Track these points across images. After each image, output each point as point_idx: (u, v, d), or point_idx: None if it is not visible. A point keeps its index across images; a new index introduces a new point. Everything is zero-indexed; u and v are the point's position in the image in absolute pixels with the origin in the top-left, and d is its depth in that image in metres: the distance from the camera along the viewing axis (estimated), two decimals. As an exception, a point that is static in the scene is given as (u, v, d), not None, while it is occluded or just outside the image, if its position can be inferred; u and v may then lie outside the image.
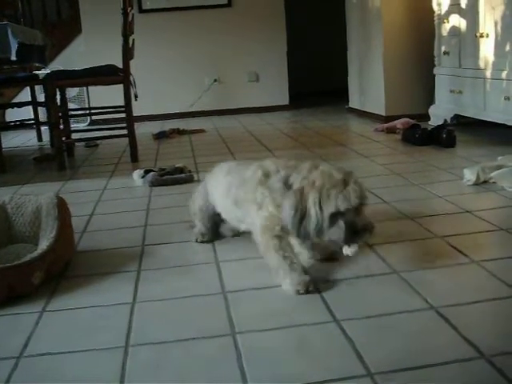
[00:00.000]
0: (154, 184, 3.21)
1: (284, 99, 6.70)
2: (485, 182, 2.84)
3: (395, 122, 4.55)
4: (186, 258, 2.09)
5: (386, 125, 4.63)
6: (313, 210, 1.67)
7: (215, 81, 6.61)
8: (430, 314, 1.54)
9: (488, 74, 3.99)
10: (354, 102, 6.07)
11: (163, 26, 6.44)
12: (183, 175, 3.31)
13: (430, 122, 4.78)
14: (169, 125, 5.60)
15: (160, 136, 5.02)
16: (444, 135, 3.79)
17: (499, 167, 2.93)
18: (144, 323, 1.61)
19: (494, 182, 2.82)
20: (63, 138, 4.12)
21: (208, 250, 2.15)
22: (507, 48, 3.75)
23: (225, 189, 2.06)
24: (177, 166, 3.42)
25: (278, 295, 1.73)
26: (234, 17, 6.53)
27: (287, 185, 1.78)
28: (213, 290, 1.78)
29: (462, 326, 1.47)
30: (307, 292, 1.71)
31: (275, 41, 6.61)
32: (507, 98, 3.75)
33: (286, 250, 1.78)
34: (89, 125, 6.26)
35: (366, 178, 3.09)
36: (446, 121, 4.56)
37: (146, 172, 3.32)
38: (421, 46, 5.07)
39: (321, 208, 1.67)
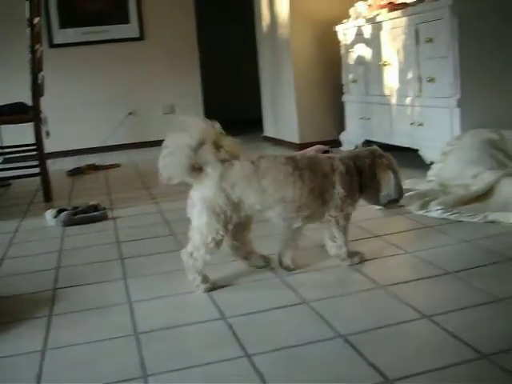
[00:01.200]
0: (67, 224, 3.16)
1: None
2: (393, 206, 2.94)
3: (309, 149, 4.64)
4: (99, 299, 2.06)
5: (300, 152, 4.71)
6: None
7: (130, 114, 6.57)
8: (338, 343, 1.58)
9: (393, 100, 4.16)
10: (269, 130, 6.17)
11: (75, 60, 6.37)
12: (97, 213, 3.28)
13: (341, 148, 4.92)
14: (84, 160, 5.52)
15: (74, 173, 4.95)
16: (354, 161, 3.90)
17: (406, 191, 3.04)
18: (55, 371, 1.58)
19: (401, 206, 2.91)
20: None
21: (120, 290, 2.13)
22: (409, 76, 3.92)
23: (280, 180, 2.01)
24: (90, 203, 3.37)
25: (190, 334, 1.74)
26: (146, 50, 6.54)
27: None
28: (125, 332, 1.77)
29: (368, 352, 1.51)
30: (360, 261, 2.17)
31: (189, 72, 6.65)
32: (412, 123, 3.91)
33: None
34: (2, 163, 6.10)
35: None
36: (356, 146, 4.69)
37: (59, 211, 3.26)
38: (330, 75, 5.22)
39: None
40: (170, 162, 1.99)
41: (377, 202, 2.25)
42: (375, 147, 2.23)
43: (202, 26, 6.87)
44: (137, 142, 6.53)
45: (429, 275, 2.03)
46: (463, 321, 1.66)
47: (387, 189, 2.15)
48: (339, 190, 2.07)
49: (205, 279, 2.04)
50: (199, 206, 1.99)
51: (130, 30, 6.50)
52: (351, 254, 2.18)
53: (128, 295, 2.07)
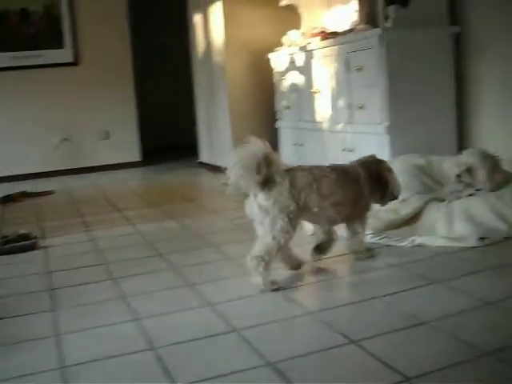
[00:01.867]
0: (-4, 253, 3.09)
1: (136, 156, 6.69)
2: (324, 231, 2.98)
3: (243, 175, 4.68)
4: (26, 332, 2.02)
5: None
6: None
7: (65, 140, 6.48)
8: (266, 371, 1.59)
9: (325, 126, 4.24)
10: (204, 156, 6.19)
11: (8, 85, 6.25)
12: (28, 242, 3.21)
13: (276, 174, 4.96)
14: (17, 188, 5.40)
15: (5, 200, 4.83)
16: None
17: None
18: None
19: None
20: None
21: (48, 322, 2.09)
22: (341, 103, 4.01)
23: (332, 186, 2.34)
24: (21, 232, 3.30)
25: (118, 365, 1.71)
26: (81, 75, 6.47)
27: None
28: (51, 366, 1.73)
29: (296, 379, 1.53)
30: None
31: (124, 98, 6.61)
32: (344, 149, 3.99)
33: None
34: None
35: (213, 235, 3.16)
36: (291, 172, 4.74)
37: (-12, 241, 3.19)
38: (264, 101, 5.29)
39: None
40: (243, 174, 2.17)
41: (381, 201, 2.57)
42: (374, 154, 2.59)
43: (137, 51, 6.85)
44: (71, 168, 6.43)
45: (357, 300, 2.07)
46: (389, 344, 1.70)
47: (392, 188, 2.52)
48: (366, 193, 2.43)
49: (274, 281, 2.22)
50: (273, 212, 2.21)
51: (65, 54, 6.43)
52: (368, 249, 2.55)
53: (56, 327, 2.03)
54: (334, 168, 2.42)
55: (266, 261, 2.20)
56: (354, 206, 2.41)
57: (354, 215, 2.46)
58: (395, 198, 2.57)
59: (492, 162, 2.95)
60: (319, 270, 2.44)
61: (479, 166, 2.95)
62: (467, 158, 3.04)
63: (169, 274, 2.53)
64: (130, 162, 6.62)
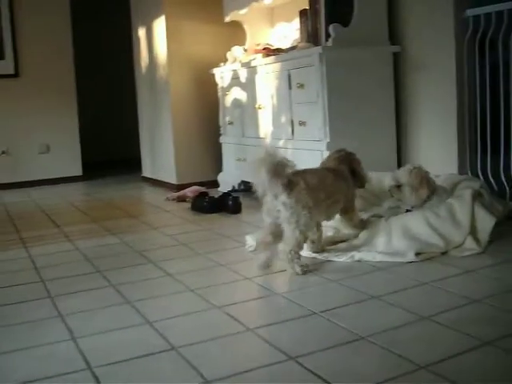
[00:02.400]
0: None
1: (77, 170, 6.58)
2: (265, 247, 3.00)
3: (186, 190, 4.67)
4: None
5: (176, 194, 4.73)
6: None
7: (3, 153, 6.33)
8: (204, 389, 1.59)
9: (268, 142, 4.26)
10: (147, 170, 6.14)
11: None
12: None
13: (219, 189, 4.97)
14: (-49, 202, 5.25)
15: None
16: (230, 202, 3.97)
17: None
18: None
19: (273, 247, 2.98)
20: None
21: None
22: (282, 119, 4.05)
23: (334, 185, 2.76)
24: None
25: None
26: (21, 87, 6.34)
27: None
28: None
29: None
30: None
31: (66, 111, 6.49)
32: (285, 165, 4.01)
33: None
34: None
35: (153, 251, 3.13)
36: (233, 187, 4.77)
37: None
38: (208, 116, 5.30)
39: None
40: (270, 179, 2.46)
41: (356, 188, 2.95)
42: (344, 148, 2.95)
43: (80, 64, 6.77)
44: (9, 182, 6.27)
45: (297, 316, 2.08)
46: (327, 360, 1.71)
47: (361, 178, 2.92)
48: (351, 185, 2.86)
49: (304, 264, 2.58)
50: (297, 209, 2.52)
51: (5, 66, 6.30)
52: (362, 220, 2.97)
53: (-10, 347, 1.98)
54: (328, 169, 2.83)
55: (297, 252, 2.55)
56: (346, 198, 2.82)
57: (347, 206, 2.86)
58: (363, 186, 2.96)
59: (418, 178, 3.01)
60: (259, 287, 2.44)
61: (405, 182, 3.03)
62: (397, 174, 3.11)
63: (108, 292, 2.49)
64: (71, 177, 6.51)
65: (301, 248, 2.60)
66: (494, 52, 3.45)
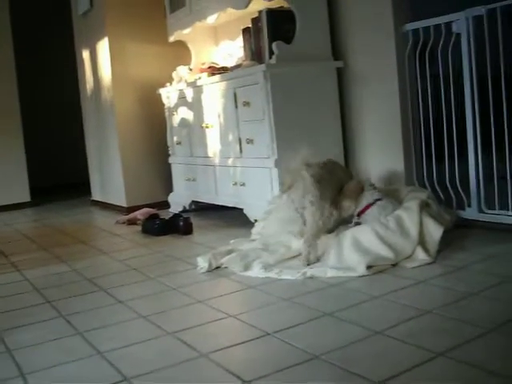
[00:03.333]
0: None
1: (25, 196, 6.44)
2: (218, 267, 2.98)
3: (136, 212, 4.61)
4: None
5: (126, 217, 4.67)
6: None
7: None
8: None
9: (216, 161, 4.26)
10: (97, 194, 6.05)
11: None
12: None
13: (170, 210, 4.94)
14: None
15: None
16: (181, 223, 3.94)
17: (230, 252, 3.10)
18: None
19: (225, 267, 2.97)
20: None
21: None
22: (230, 137, 4.05)
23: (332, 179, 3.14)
24: None
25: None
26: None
27: None
28: None
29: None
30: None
31: (11, 135, 6.32)
32: (235, 183, 4.01)
33: None
34: None
35: (104, 278, 3.08)
36: (185, 208, 4.74)
37: None
38: (156, 137, 5.25)
39: None
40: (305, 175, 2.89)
41: None
42: (330, 158, 3.24)
43: (25, 88, 6.65)
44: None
45: (250, 338, 2.06)
46: (281, 383, 1.70)
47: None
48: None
49: (312, 259, 2.89)
50: (320, 203, 2.90)
51: None
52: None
53: None
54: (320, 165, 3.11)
55: (315, 240, 2.90)
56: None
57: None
58: None
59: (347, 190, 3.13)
60: (211, 309, 2.42)
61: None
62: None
63: (58, 323, 2.43)
64: (18, 203, 6.36)
65: (318, 237, 2.92)
66: (433, 63, 3.52)
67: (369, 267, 2.69)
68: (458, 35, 3.34)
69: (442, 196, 3.52)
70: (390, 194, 3.24)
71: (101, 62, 5.39)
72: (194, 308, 2.44)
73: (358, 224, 3.07)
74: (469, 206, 3.43)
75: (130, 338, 2.17)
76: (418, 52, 3.58)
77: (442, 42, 3.43)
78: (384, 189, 3.34)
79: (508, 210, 3.24)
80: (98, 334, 2.25)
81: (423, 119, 3.65)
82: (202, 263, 2.98)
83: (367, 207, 3.06)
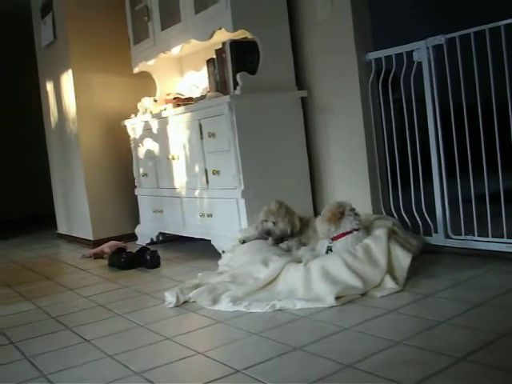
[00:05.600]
0: None
1: (-12, 231, 6.35)
2: (186, 302, 2.94)
3: (103, 246, 4.55)
4: None
5: (93, 250, 4.60)
6: None
7: None
8: None
9: (183, 193, 4.23)
10: (63, 227, 5.96)
11: None
12: None
13: (137, 242, 4.88)
14: None
15: None
16: (148, 256, 3.89)
17: (198, 285, 3.07)
18: None
19: (194, 302, 2.93)
20: None
21: None
22: (196, 169, 4.03)
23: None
24: None
25: None
26: None
27: None
28: None
29: None
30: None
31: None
32: (202, 215, 3.99)
33: None
34: None
35: (70, 316, 3.02)
36: (152, 239, 4.69)
37: None
38: (122, 169, 5.20)
39: None
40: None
41: None
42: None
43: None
44: None
45: (220, 376, 2.02)
46: (251, 423, 1.67)
47: None
48: None
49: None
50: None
51: None
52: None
53: None
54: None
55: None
56: None
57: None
58: None
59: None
60: (180, 347, 2.37)
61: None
62: None
63: (22, 365, 2.35)
64: (-20, 239, 6.25)
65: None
66: (396, 91, 3.56)
67: (338, 297, 2.68)
68: (420, 63, 3.39)
69: (408, 223, 3.53)
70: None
71: (65, 94, 5.35)
72: (162, 345, 2.40)
73: (329, 248, 3.06)
74: (435, 231, 3.45)
75: (96, 378, 2.12)
76: (381, 80, 3.62)
77: (404, 71, 3.47)
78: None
79: (474, 234, 3.27)
80: (63, 375, 2.19)
81: (388, 147, 3.67)
82: (170, 298, 2.94)
83: (343, 234, 3.06)
